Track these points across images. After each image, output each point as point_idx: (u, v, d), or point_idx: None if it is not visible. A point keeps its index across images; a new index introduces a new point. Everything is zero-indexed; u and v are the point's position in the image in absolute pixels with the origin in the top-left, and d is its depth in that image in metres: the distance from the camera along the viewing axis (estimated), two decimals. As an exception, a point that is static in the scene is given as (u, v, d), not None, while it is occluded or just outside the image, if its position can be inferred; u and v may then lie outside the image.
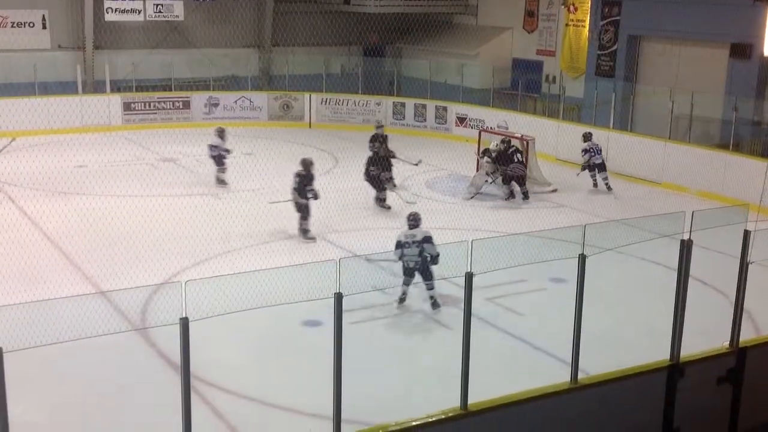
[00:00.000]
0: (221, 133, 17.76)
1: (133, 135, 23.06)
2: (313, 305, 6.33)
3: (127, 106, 24.15)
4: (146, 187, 17.10)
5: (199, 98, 25.05)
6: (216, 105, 25.10)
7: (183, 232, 13.93)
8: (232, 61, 26.07)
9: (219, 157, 17.67)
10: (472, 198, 17.46)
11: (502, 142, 17.62)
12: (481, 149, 18.26)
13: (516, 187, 17.37)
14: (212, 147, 17.76)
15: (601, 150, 18.41)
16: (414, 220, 11.16)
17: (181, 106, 24.82)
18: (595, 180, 18.54)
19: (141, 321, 9.91)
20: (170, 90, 25.07)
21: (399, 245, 10.78)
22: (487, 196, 17.56)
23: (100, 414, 8.34)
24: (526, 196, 17.35)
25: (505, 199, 17.33)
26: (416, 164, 17.85)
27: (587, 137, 18.56)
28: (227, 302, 6.23)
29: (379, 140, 17.27)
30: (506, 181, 17.28)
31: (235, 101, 25.27)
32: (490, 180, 17.74)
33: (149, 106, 24.46)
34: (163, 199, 15.84)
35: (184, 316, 5.44)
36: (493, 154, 17.60)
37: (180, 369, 5.58)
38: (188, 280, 5.37)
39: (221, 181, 17.67)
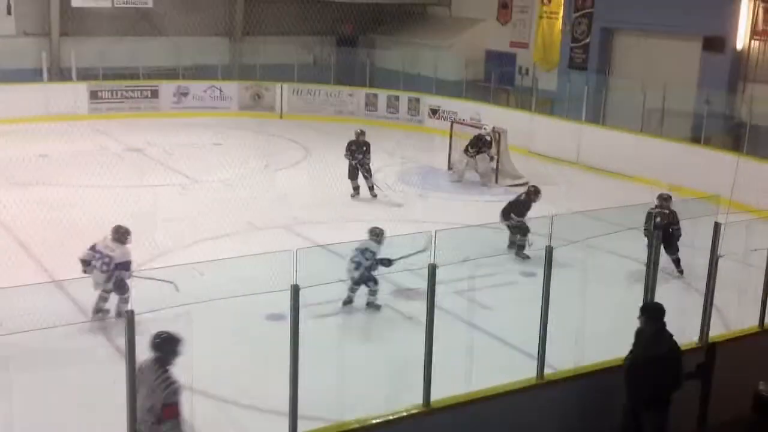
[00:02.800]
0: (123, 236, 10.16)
1: (99, 124, 22.58)
2: (278, 299, 6.09)
3: (93, 95, 23.69)
4: (111, 177, 16.71)
5: (167, 87, 24.63)
6: (185, 94, 24.71)
7: (148, 224, 13.62)
8: (202, 50, 25.59)
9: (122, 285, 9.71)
10: (459, 181, 17.90)
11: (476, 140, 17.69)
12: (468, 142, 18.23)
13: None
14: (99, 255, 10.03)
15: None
16: (375, 236, 10.72)
17: (149, 95, 24.41)
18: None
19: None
20: (138, 79, 24.62)
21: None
22: (462, 188, 17.45)
23: (50, 408, 8.06)
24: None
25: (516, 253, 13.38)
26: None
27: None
28: (184, 294, 6.01)
29: (361, 149, 16.40)
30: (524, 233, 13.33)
31: (205, 91, 24.90)
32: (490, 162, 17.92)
33: (116, 94, 24.02)
34: (128, 190, 15.49)
35: (130, 308, 5.19)
36: (488, 138, 17.85)
37: (126, 363, 5.33)
38: (136, 271, 5.10)
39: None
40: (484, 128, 18.11)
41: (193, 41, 26.04)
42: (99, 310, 9.79)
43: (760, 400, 5.91)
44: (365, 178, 16.35)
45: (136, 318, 5.32)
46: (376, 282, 10.64)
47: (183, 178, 17.24)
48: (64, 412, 8.05)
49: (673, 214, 12.06)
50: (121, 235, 10.02)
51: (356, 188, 16.38)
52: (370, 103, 25.00)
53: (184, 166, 18.00)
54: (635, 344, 7.19)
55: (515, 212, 13.18)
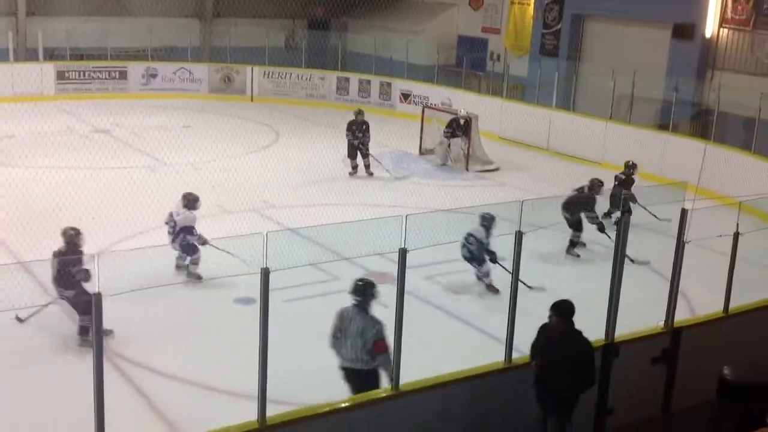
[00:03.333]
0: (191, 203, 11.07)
1: (66, 105, 22.25)
2: (247, 282, 6.04)
3: (60, 75, 23.34)
4: (78, 158, 16.50)
5: (136, 68, 24.33)
6: (154, 76, 24.41)
7: (115, 206, 13.47)
8: (171, 31, 25.28)
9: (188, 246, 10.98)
10: (445, 165, 18.14)
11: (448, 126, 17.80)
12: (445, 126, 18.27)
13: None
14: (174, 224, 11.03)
15: None
16: (484, 220, 10.79)
17: (117, 76, 24.10)
18: None
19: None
20: (106, 59, 24.30)
21: None
22: (434, 173, 17.47)
23: (14, 390, 7.96)
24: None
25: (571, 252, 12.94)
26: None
27: None
28: (150, 277, 5.96)
29: (361, 128, 16.83)
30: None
31: (174, 72, 24.61)
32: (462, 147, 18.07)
33: (84, 75, 23.69)
34: (95, 172, 15.32)
35: (97, 290, 5.12)
36: (461, 121, 17.94)
37: (93, 346, 5.27)
38: (101, 252, 5.04)
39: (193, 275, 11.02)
40: (460, 111, 18.17)
41: (162, 22, 25.71)
42: (178, 267, 11.00)
43: (723, 384, 5.99)
44: (363, 156, 16.80)
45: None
46: (481, 263, 10.97)
47: (151, 161, 17.06)
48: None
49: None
50: (189, 201, 10.91)
51: (355, 167, 16.79)
52: (342, 87, 24.89)
53: (152, 149, 17.82)
54: (538, 343, 6.87)
55: (584, 209, 12.46)
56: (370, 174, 16.87)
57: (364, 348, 6.93)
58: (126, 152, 17.68)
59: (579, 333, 6.69)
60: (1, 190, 13.35)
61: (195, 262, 10.87)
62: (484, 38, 25.77)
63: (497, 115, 20.66)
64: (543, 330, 6.82)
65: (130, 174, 15.59)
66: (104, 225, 12.59)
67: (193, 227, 10.80)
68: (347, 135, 16.76)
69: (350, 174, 16.82)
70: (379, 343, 6.90)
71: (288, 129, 20.78)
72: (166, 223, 10.97)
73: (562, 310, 6.65)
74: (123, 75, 24.17)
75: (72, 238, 8.93)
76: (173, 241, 10.81)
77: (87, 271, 8.20)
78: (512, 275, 7.13)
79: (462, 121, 18.01)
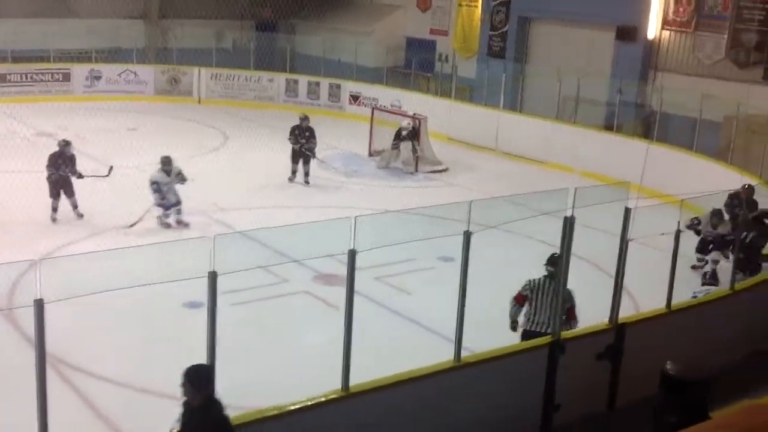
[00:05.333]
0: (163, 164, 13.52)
1: (8, 108, 21.71)
2: (196, 287, 5.98)
3: (2, 78, 22.90)
4: (21, 162, 16.12)
5: (80, 70, 23.93)
6: (98, 78, 24.04)
7: (60, 210, 13.25)
8: (116, 33, 24.95)
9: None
10: (387, 168, 18.11)
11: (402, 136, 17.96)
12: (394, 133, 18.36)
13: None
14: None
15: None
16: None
17: (60, 79, 23.68)
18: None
19: (7, 303, 9.29)
20: (49, 61, 23.84)
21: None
22: (384, 175, 17.50)
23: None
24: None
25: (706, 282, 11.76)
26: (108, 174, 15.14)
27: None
28: (95, 282, 5.83)
29: (304, 134, 16.53)
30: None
31: (119, 74, 24.26)
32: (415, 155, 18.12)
33: (26, 77, 23.24)
34: (39, 176, 14.97)
35: (39, 297, 5.03)
36: (404, 133, 17.96)
37: (35, 353, 5.18)
38: (44, 257, 4.96)
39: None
40: (403, 123, 18.22)
41: (107, 23, 25.34)
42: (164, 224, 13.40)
43: (666, 379, 6.10)
44: (305, 163, 16.43)
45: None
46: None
47: (96, 164, 16.76)
48: None
49: None
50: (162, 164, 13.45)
51: (294, 172, 16.46)
52: (291, 89, 24.80)
53: (97, 152, 17.52)
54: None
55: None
56: (307, 183, 16.36)
57: (560, 314, 7.65)
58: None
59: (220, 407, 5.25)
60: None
61: (179, 212, 13.31)
62: (432, 40, 25.91)
63: (446, 116, 20.80)
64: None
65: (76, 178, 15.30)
66: (48, 230, 12.39)
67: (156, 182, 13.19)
68: (290, 139, 16.46)
69: (289, 179, 16.40)
70: (572, 310, 7.95)
71: (236, 131, 20.63)
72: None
73: (192, 377, 5.21)
74: (66, 77, 23.76)
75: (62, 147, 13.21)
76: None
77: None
78: (460, 275, 7.18)
79: (405, 132, 17.99)
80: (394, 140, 18.24)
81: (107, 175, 13.96)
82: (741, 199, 11.75)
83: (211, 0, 26.44)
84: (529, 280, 8.19)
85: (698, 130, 16.82)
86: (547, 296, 7.96)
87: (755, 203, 12.10)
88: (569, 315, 7.95)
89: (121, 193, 13.92)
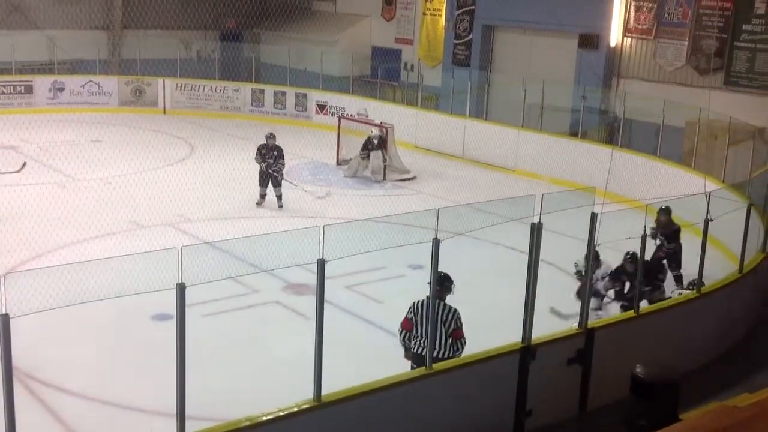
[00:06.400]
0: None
1: (-32, 121, 21.44)
2: (164, 299, 5.92)
3: (-38, 91, 22.51)
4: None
5: (42, 82, 23.62)
6: (61, 90, 23.75)
7: (24, 223, 13.04)
8: (78, 44, 24.66)
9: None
10: (355, 177, 18.14)
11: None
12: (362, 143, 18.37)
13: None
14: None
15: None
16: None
17: (22, 91, 23.35)
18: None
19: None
20: (11, 73, 23.48)
21: None
22: (352, 184, 17.48)
23: None
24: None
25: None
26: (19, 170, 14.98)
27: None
28: (62, 296, 5.76)
29: (271, 153, 15.50)
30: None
31: (83, 86, 23.99)
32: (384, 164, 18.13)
33: (-13, 90, 22.88)
34: (2, 189, 14.78)
35: (4, 312, 4.95)
36: (375, 141, 17.98)
37: (2, 368, 5.09)
38: (8, 273, 4.88)
39: None
40: (372, 132, 18.27)
41: (69, 34, 25.02)
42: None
43: (636, 382, 6.17)
44: (275, 186, 15.52)
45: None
46: None
47: (61, 176, 16.58)
48: None
49: None
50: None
51: (263, 196, 15.58)
52: (257, 99, 24.72)
53: (61, 164, 17.33)
54: None
55: None
56: (281, 206, 15.49)
57: (445, 335, 7.41)
58: (34, 168, 17.12)
59: None
60: None
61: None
62: (398, 49, 26.00)
63: (413, 125, 20.86)
64: None
65: (39, 190, 15.09)
66: (13, 244, 12.18)
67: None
68: (256, 159, 15.54)
69: (257, 204, 15.51)
70: (458, 331, 7.49)
71: (202, 141, 20.51)
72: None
73: None
74: (29, 89, 23.44)
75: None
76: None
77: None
78: (431, 282, 7.20)
79: (376, 141, 18.05)
80: (362, 149, 18.25)
81: (19, 171, 13.60)
82: (658, 226, 11.45)
83: (174, 10, 26.22)
84: (413, 303, 7.64)
85: (661, 136, 17.05)
86: (429, 318, 7.29)
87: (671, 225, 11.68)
88: (455, 335, 7.45)
89: (86, 206, 13.74)
